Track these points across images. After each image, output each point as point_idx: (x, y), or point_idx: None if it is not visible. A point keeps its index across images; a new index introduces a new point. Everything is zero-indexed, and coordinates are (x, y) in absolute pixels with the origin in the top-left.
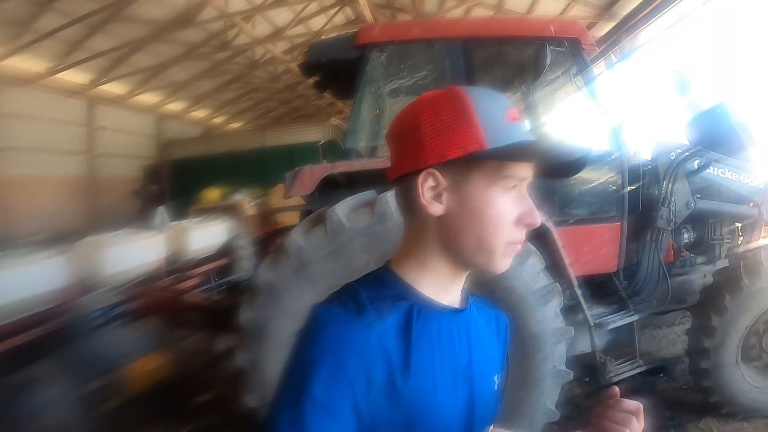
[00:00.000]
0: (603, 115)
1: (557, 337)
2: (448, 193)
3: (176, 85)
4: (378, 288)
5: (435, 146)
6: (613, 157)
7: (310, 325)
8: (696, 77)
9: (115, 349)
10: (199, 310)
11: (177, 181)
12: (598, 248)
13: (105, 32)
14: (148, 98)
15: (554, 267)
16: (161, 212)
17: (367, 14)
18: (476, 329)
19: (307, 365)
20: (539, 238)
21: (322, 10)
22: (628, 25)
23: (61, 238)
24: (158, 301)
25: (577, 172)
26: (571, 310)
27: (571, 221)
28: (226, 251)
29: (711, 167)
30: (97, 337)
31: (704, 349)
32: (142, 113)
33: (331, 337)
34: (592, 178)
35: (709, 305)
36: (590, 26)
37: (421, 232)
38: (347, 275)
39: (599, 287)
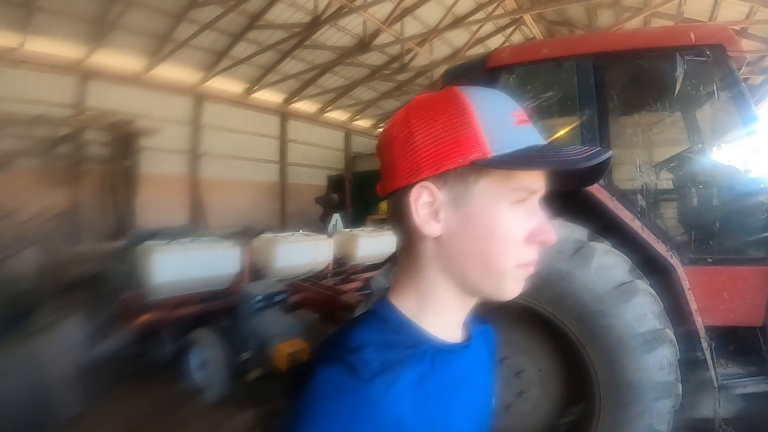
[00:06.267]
0: (757, 133)
1: (659, 392)
2: (446, 210)
3: (364, 104)
4: (383, 334)
5: (430, 156)
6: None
7: (313, 393)
8: None
9: (266, 330)
10: (352, 310)
11: (358, 191)
12: (741, 295)
13: (294, 57)
14: (337, 115)
15: (677, 312)
16: (335, 219)
17: (536, 32)
18: (478, 357)
19: None
20: (661, 276)
21: (499, 30)
22: None
23: (246, 232)
24: (316, 296)
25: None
26: (697, 364)
27: (709, 260)
28: (393, 260)
29: None
30: (255, 317)
31: None
32: (332, 129)
33: (336, 412)
34: (738, 210)
35: None
36: None
37: (419, 257)
38: None
39: (741, 343)
